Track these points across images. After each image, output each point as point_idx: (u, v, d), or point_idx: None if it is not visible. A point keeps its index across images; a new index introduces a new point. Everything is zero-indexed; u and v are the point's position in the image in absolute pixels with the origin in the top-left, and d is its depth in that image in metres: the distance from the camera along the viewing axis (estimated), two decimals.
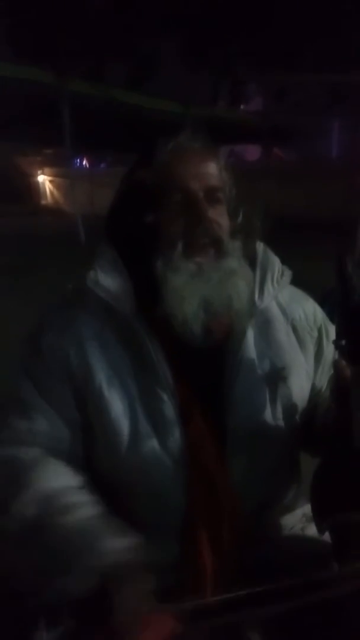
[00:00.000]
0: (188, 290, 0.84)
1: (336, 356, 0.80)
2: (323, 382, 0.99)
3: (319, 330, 0.99)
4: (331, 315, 1.02)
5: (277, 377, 0.90)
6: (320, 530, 0.78)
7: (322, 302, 1.06)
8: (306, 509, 0.98)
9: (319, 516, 0.78)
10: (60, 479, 0.81)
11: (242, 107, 15.49)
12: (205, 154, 0.90)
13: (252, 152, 17.77)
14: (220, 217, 0.89)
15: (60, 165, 17.42)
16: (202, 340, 0.85)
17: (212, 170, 0.89)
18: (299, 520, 0.98)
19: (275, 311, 0.95)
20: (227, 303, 0.86)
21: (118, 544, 0.71)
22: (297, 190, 12.67)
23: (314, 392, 0.97)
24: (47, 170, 20.48)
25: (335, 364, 0.79)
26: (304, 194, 12.57)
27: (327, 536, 0.80)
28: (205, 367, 0.87)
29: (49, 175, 20.53)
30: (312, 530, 0.93)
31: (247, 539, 0.86)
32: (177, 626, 0.62)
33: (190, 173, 0.87)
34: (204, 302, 0.84)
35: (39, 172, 20.83)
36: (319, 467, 0.81)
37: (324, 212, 10.61)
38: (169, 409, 0.84)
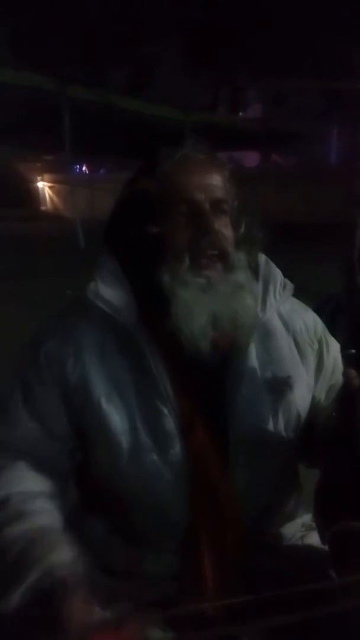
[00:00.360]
0: (197, 306, 0.83)
1: (342, 365, 0.80)
2: (323, 392, 0.98)
3: (319, 342, 0.98)
4: (328, 322, 1.02)
5: (279, 389, 0.90)
6: (323, 540, 0.77)
7: (320, 309, 1.05)
8: (305, 518, 0.98)
9: (322, 525, 0.77)
10: (24, 483, 0.81)
11: (241, 113, 15.55)
12: (209, 165, 0.90)
13: (251, 158, 17.82)
14: (225, 229, 0.88)
15: (60, 171, 17.45)
16: (205, 357, 0.84)
17: (217, 181, 0.89)
18: (298, 529, 0.97)
19: (276, 323, 0.95)
20: (235, 318, 0.85)
21: (60, 559, 0.70)
22: (296, 196, 12.70)
23: (314, 403, 0.97)
24: (46, 176, 20.51)
25: (345, 374, 0.77)
26: (302, 200, 12.60)
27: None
28: (207, 379, 0.87)
29: (48, 181, 20.57)
30: (311, 539, 0.93)
31: (248, 548, 0.86)
32: (136, 635, 0.61)
33: (195, 184, 0.86)
34: (212, 317, 0.83)
35: (39, 178, 20.86)
36: (322, 477, 0.80)
37: (324, 218, 10.62)
38: (170, 423, 0.83)
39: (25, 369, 0.88)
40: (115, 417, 0.83)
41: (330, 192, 11.97)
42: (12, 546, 0.72)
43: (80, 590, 0.65)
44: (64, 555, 0.71)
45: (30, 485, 0.81)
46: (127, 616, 0.64)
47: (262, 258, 0.96)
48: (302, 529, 0.97)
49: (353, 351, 0.78)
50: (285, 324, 0.96)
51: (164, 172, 0.87)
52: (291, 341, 0.95)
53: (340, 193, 11.23)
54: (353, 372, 0.77)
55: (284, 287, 0.95)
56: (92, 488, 0.87)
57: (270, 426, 0.88)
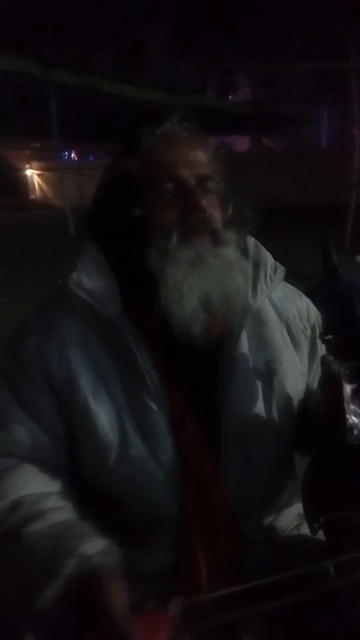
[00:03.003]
0: (187, 284, 0.79)
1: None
2: (316, 379, 0.96)
3: (313, 329, 0.96)
4: (320, 306, 1.01)
5: (272, 379, 0.87)
6: (312, 528, 0.76)
7: (311, 293, 1.04)
8: (301, 507, 0.95)
9: (310, 513, 0.77)
10: (31, 486, 0.78)
11: (230, 97, 15.37)
12: (194, 141, 0.87)
13: (241, 143, 17.68)
14: (212, 208, 0.85)
15: (48, 159, 17.24)
16: (197, 342, 0.80)
17: (202, 158, 0.85)
18: (294, 518, 0.96)
19: (268, 311, 0.92)
20: (226, 299, 0.82)
21: (93, 548, 0.68)
22: (287, 179, 12.66)
23: (308, 390, 0.95)
24: (35, 163, 20.26)
25: (323, 359, 0.76)
26: (293, 183, 12.56)
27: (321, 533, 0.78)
28: (197, 370, 0.84)
29: (37, 169, 20.32)
30: (307, 528, 0.92)
31: (243, 543, 0.84)
32: (170, 625, 0.60)
33: (180, 160, 0.83)
34: (204, 297, 0.80)
35: (27, 165, 20.60)
36: (310, 464, 0.79)
37: (315, 201, 10.60)
38: (159, 419, 0.80)
39: (11, 369, 0.84)
40: (103, 415, 0.80)
41: (321, 175, 11.95)
42: (39, 544, 0.69)
43: (118, 577, 0.64)
44: (96, 544, 0.68)
45: (39, 487, 0.78)
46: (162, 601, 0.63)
47: (251, 241, 0.93)
48: (298, 518, 0.96)
49: (330, 336, 0.77)
50: (278, 311, 0.93)
51: (147, 150, 0.84)
52: (284, 329, 0.92)
53: (331, 176, 11.21)
54: (330, 358, 0.75)
55: (275, 271, 0.92)
56: (81, 484, 0.85)
57: (264, 416, 0.86)
